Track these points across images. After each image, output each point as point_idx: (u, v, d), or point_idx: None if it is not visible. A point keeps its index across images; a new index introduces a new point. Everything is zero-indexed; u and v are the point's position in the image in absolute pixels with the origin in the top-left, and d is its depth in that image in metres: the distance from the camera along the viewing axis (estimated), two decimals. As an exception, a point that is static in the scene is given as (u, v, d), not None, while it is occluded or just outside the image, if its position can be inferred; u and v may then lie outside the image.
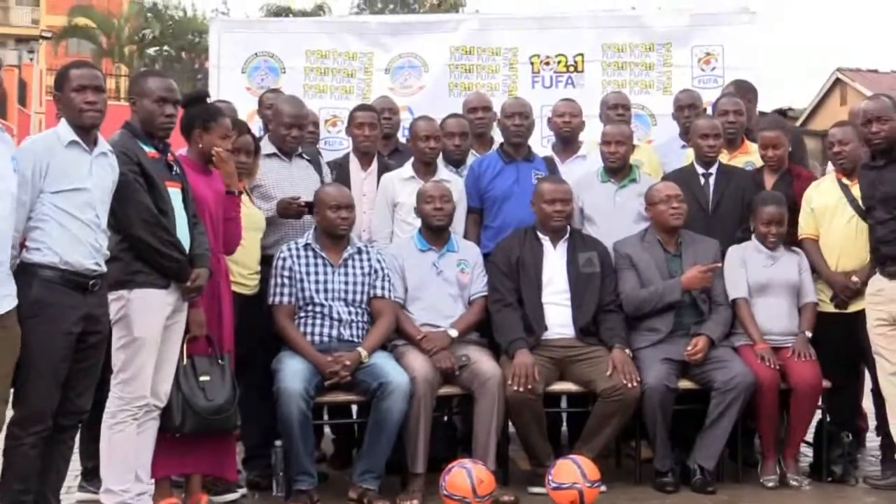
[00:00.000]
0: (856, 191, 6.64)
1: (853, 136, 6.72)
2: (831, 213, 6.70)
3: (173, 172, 5.54)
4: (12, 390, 4.93)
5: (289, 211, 6.60)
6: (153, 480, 5.69)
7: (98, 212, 5.06)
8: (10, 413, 4.93)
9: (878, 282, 6.36)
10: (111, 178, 5.17)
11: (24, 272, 4.90)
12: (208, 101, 6.13)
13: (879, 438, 6.96)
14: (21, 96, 37.23)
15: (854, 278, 6.58)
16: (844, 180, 6.72)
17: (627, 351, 6.40)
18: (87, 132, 5.09)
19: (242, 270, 6.24)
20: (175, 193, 5.47)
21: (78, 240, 4.97)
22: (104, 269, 5.11)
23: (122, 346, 5.32)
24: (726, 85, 8.10)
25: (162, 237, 5.33)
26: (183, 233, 5.47)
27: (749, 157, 7.35)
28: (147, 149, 5.45)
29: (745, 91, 7.78)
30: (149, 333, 5.36)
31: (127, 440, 5.40)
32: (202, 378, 5.67)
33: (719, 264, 6.56)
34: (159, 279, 5.38)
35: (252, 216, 6.29)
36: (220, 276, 5.88)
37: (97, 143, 5.14)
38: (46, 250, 4.91)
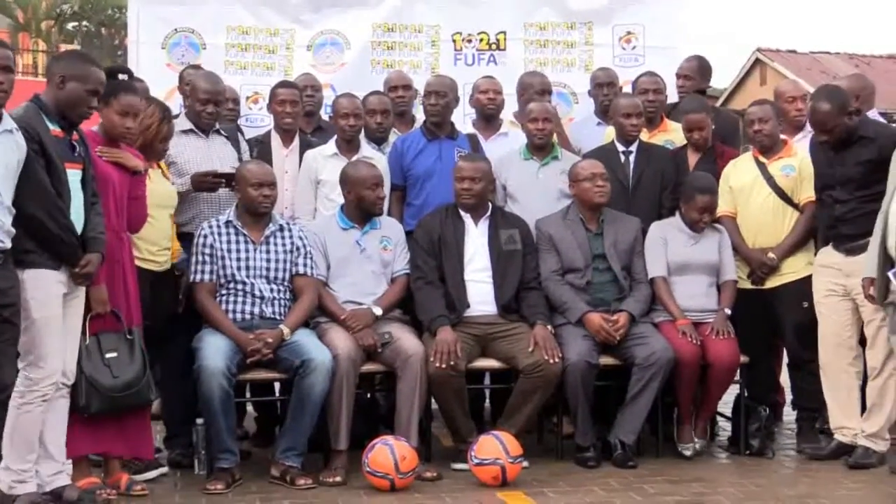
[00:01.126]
0: (772, 169, 6.76)
1: (773, 114, 6.83)
2: (748, 191, 6.80)
3: (76, 153, 5.44)
4: None
5: (203, 184, 6.54)
6: (69, 460, 5.61)
7: (1, 188, 4.98)
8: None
9: (830, 255, 6.50)
10: (16, 156, 5.08)
11: None
12: (121, 77, 6.02)
13: (795, 412, 7.09)
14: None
15: (770, 255, 6.68)
16: (762, 158, 6.81)
17: (549, 327, 6.42)
18: None
19: (151, 247, 6.13)
20: (74, 174, 5.37)
21: None
22: (8, 244, 5.04)
23: (24, 329, 5.24)
24: (688, 57, 8.17)
25: (57, 219, 5.24)
26: (78, 215, 5.37)
27: (668, 135, 7.42)
28: (52, 127, 5.35)
29: (705, 70, 7.93)
30: (48, 312, 5.29)
31: (33, 422, 5.32)
32: (109, 355, 5.61)
33: (618, 335, 6.47)
34: (50, 260, 5.29)
35: (161, 193, 6.18)
36: (124, 251, 5.81)
37: (1, 120, 5.05)
38: None
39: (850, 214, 6.39)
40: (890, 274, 5.92)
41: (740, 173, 6.88)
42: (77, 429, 5.60)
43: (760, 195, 6.77)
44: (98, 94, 5.47)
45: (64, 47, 35.09)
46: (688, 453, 6.56)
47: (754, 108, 6.92)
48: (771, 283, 6.76)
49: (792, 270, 6.73)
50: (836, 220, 6.46)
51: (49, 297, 5.31)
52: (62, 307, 5.39)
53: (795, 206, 6.77)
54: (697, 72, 7.96)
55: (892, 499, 5.83)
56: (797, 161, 6.80)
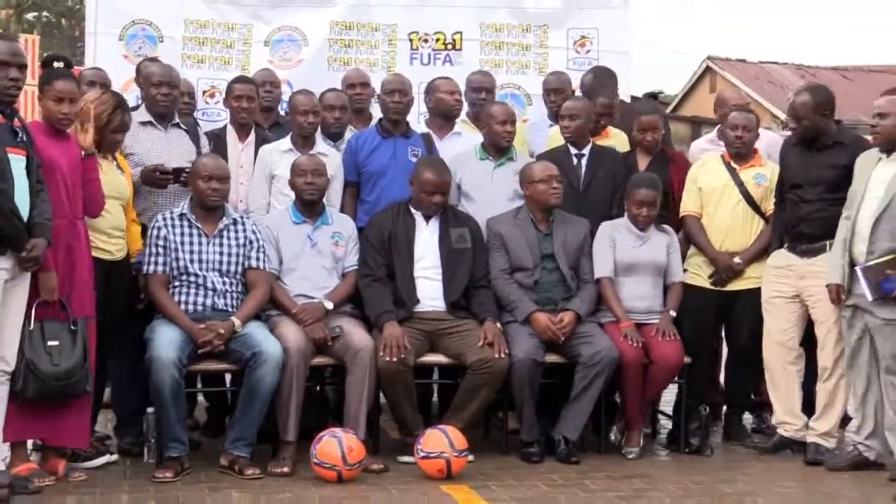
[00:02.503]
0: (744, 176, 6.82)
1: (755, 125, 6.92)
2: (719, 194, 6.84)
3: (18, 139, 5.39)
4: None
5: (150, 178, 6.52)
6: (8, 446, 5.63)
7: None
8: None
9: (785, 257, 6.59)
10: None
11: None
12: (57, 64, 5.96)
13: (724, 408, 7.24)
14: None
15: (737, 259, 6.75)
16: (733, 164, 6.87)
17: (497, 323, 6.45)
18: None
19: (101, 236, 6.08)
20: (18, 160, 5.34)
21: None
22: None
23: None
24: (586, 71, 8.17)
25: (1, 203, 5.20)
26: (23, 200, 5.32)
27: (609, 140, 7.40)
28: None
29: (602, 77, 7.86)
30: None
31: None
32: (50, 343, 5.58)
33: (563, 334, 6.50)
34: None
35: (113, 183, 6.14)
36: (78, 239, 5.77)
37: None
38: None
39: (814, 215, 6.47)
40: (857, 269, 5.98)
41: (711, 175, 6.91)
42: (15, 415, 5.56)
43: (731, 200, 6.81)
44: (10, 64, 5.37)
45: (23, 37, 34.74)
46: (631, 456, 6.57)
47: (738, 115, 6.95)
48: (733, 286, 6.82)
49: (755, 276, 6.79)
50: (799, 219, 6.53)
51: None
52: (2, 293, 5.34)
53: (762, 214, 6.83)
54: (599, 82, 7.85)
55: (822, 496, 5.91)
56: (769, 171, 6.86)
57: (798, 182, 6.56)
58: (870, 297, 5.96)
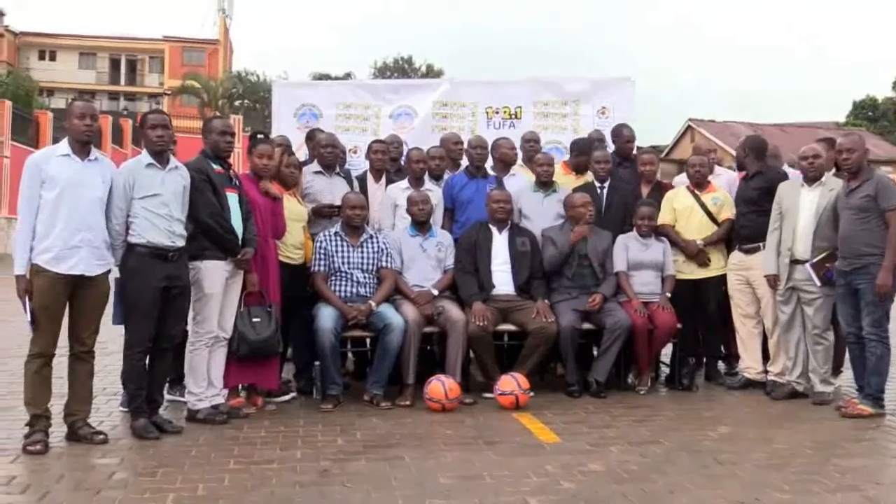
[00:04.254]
0: (705, 199, 6.77)
1: (707, 162, 6.90)
2: (688, 213, 6.75)
3: (232, 183, 5.52)
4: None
5: (320, 211, 6.53)
6: (225, 390, 5.71)
7: (171, 208, 5.08)
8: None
9: (736, 256, 6.62)
10: (182, 184, 5.20)
11: (128, 249, 5.04)
12: (259, 136, 6.07)
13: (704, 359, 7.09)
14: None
15: (699, 241, 6.65)
16: (696, 191, 6.77)
17: (547, 301, 6.37)
18: (159, 155, 5.12)
19: (288, 249, 6.12)
20: (232, 197, 5.46)
21: (157, 227, 5.02)
22: (179, 244, 5.13)
23: (196, 299, 5.36)
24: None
25: (221, 223, 5.32)
26: (237, 223, 5.44)
27: (587, 178, 7.20)
28: (215, 166, 5.44)
29: (596, 138, 7.71)
30: (213, 290, 5.38)
31: (201, 360, 5.45)
32: (254, 319, 5.65)
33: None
34: (220, 254, 5.37)
35: (297, 211, 6.19)
36: (269, 251, 5.82)
37: (169, 161, 5.16)
38: (138, 235, 5.01)
39: (747, 222, 6.50)
40: (807, 266, 6.00)
41: (680, 199, 6.82)
42: (232, 368, 5.66)
43: (696, 217, 6.72)
44: (225, 133, 5.53)
45: (233, 117, 35.44)
46: (642, 392, 6.43)
47: (695, 158, 6.90)
48: (701, 274, 6.68)
49: (717, 267, 6.71)
50: (740, 226, 6.56)
51: (215, 280, 5.37)
52: (224, 287, 5.44)
53: (717, 223, 6.71)
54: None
55: (774, 418, 5.72)
56: (721, 195, 6.79)
57: (737, 201, 6.62)
58: (818, 284, 5.98)
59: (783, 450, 4.87)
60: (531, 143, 7.69)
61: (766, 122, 35.61)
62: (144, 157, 5.12)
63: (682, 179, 7.40)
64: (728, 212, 6.67)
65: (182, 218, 5.15)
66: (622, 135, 7.64)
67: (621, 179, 7.17)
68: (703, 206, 6.70)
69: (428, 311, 6.19)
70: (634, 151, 7.78)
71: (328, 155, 6.77)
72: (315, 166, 6.81)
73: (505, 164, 7.33)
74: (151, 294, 5.01)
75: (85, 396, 5.01)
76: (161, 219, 5.03)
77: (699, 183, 6.77)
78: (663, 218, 6.75)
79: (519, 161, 7.59)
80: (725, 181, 7.13)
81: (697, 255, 6.64)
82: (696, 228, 6.69)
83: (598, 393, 6.27)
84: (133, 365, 5.08)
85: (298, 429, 5.32)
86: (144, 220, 5.00)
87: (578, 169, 7.34)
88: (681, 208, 6.76)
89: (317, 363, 6.02)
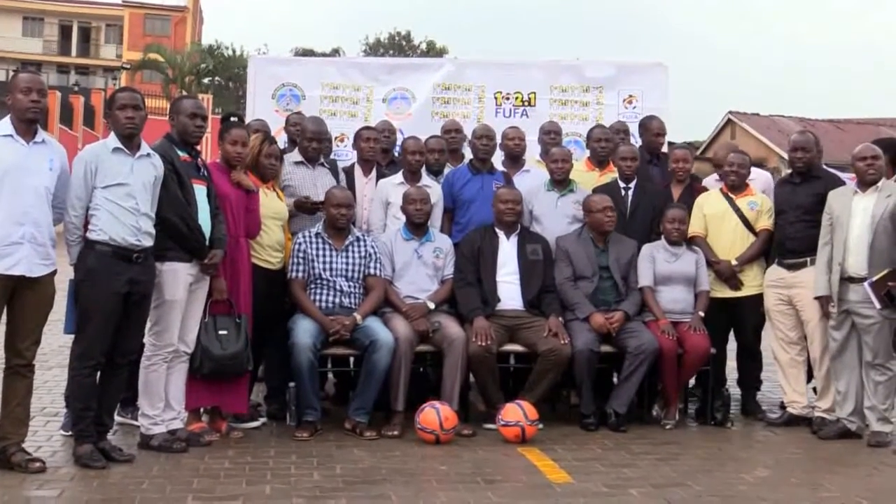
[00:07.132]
0: (740, 203, 6.74)
1: (748, 163, 6.86)
2: (720, 218, 6.74)
3: (200, 173, 5.53)
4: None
5: (302, 206, 6.54)
6: (185, 413, 5.70)
7: (138, 201, 5.06)
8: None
9: (776, 272, 6.56)
10: (153, 174, 5.21)
11: (86, 247, 5.01)
12: (233, 119, 6.07)
13: (740, 389, 7.09)
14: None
15: (733, 261, 6.64)
16: (731, 194, 6.76)
17: (560, 319, 6.36)
18: (128, 140, 5.10)
19: (264, 250, 6.13)
20: (200, 189, 5.48)
21: (121, 222, 5.00)
22: (147, 244, 5.10)
23: (156, 306, 5.35)
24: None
25: (187, 221, 5.33)
26: (204, 220, 5.46)
27: (614, 173, 7.15)
28: (181, 153, 5.45)
29: (617, 130, 7.70)
30: (176, 297, 5.38)
31: (158, 378, 5.46)
32: (221, 332, 5.67)
33: (615, 328, 6.33)
34: (184, 255, 5.38)
35: (274, 207, 6.19)
36: (240, 253, 5.84)
37: (140, 147, 5.13)
38: (99, 231, 4.98)
39: (797, 234, 6.45)
40: (865, 284, 5.93)
41: (712, 203, 6.81)
42: (192, 387, 5.67)
43: (731, 223, 6.71)
44: (196, 116, 5.52)
45: (201, 96, 35.49)
46: (668, 427, 6.43)
47: (735, 157, 6.88)
48: (737, 294, 6.68)
49: (754, 285, 6.70)
50: (785, 237, 6.53)
51: (177, 284, 5.39)
52: (188, 293, 5.45)
53: (755, 232, 6.71)
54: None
55: (822, 461, 5.72)
56: (759, 199, 6.77)
57: (783, 209, 6.59)
58: (878, 306, 5.92)
59: (832, 499, 4.86)
60: (551, 134, 7.67)
61: (818, 118, 35.66)
62: (111, 140, 5.12)
63: (712, 182, 7.39)
64: (766, 220, 6.68)
65: (151, 213, 5.16)
66: (651, 128, 7.67)
67: (650, 179, 7.18)
68: (737, 210, 6.70)
69: (422, 326, 6.19)
70: (665, 147, 7.80)
71: (312, 151, 6.77)
72: (296, 155, 6.81)
73: (512, 157, 7.35)
74: (112, 300, 5.00)
75: (21, 417, 4.99)
76: (126, 213, 5.02)
77: (735, 186, 6.77)
78: (693, 228, 6.75)
79: (537, 155, 7.60)
80: (761, 184, 7.13)
81: (730, 279, 6.65)
82: (729, 237, 6.69)
83: (618, 426, 6.26)
84: (81, 382, 5.07)
85: (268, 460, 5.31)
86: (107, 214, 4.99)
87: (600, 162, 7.30)
88: (712, 214, 6.75)
89: (292, 384, 6.02)
